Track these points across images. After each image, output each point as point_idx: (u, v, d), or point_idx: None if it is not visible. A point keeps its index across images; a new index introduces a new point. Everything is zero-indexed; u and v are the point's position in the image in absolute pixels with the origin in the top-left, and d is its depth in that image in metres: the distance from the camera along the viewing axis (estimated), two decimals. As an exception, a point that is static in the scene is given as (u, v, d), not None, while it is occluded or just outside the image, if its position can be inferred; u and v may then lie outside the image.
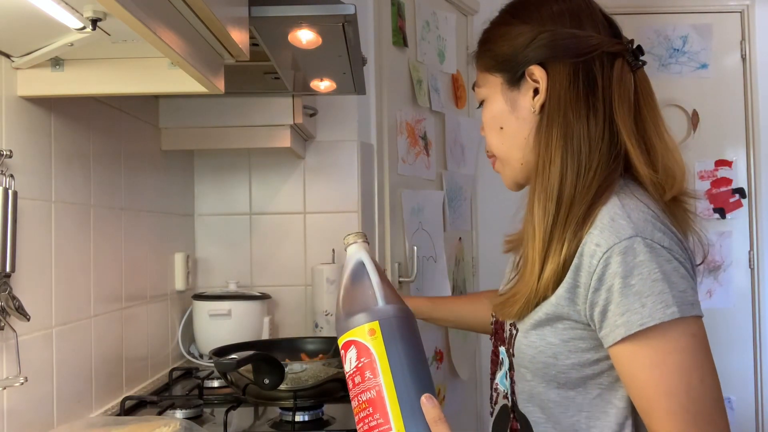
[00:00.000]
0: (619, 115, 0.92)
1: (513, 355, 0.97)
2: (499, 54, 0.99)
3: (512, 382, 0.99)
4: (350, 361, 0.81)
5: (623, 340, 0.84)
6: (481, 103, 1.04)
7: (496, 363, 1.07)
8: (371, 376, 0.79)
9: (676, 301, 0.82)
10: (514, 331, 0.97)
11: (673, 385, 0.82)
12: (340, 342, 0.83)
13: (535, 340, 0.92)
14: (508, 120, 0.99)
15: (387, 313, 0.82)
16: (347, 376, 0.82)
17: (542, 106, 0.95)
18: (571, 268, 0.87)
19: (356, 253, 0.89)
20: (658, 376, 0.82)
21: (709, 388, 0.83)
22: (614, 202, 0.88)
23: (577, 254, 0.87)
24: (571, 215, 0.88)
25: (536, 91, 0.95)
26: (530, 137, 0.96)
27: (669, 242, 0.85)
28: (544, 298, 0.90)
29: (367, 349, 0.80)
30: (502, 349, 1.04)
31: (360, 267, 0.87)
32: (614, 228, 0.85)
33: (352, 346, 0.81)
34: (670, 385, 0.82)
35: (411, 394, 0.78)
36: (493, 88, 1.00)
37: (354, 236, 0.90)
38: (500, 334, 1.05)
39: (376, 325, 0.80)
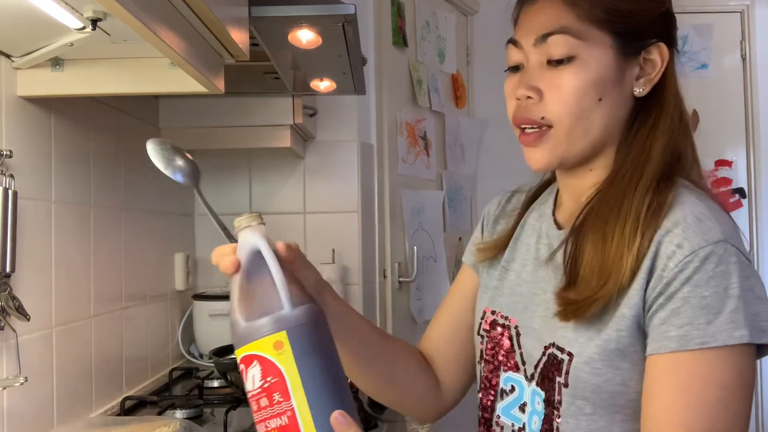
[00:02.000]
0: (686, 110, 0.87)
1: (566, 386, 0.80)
2: (623, 11, 0.81)
3: (554, 417, 0.82)
4: (253, 379, 0.66)
5: (671, 352, 0.72)
6: (553, 62, 0.81)
7: (493, 392, 0.92)
8: (281, 399, 0.65)
9: (748, 323, 0.71)
10: (565, 357, 0.80)
11: (697, 421, 0.71)
12: (239, 355, 0.67)
13: (600, 367, 0.77)
14: (612, 92, 0.82)
15: (297, 320, 0.66)
16: (249, 396, 0.68)
17: (652, 90, 0.84)
18: (643, 269, 0.76)
19: (250, 239, 0.71)
20: (685, 404, 0.71)
21: None
22: (693, 200, 0.77)
23: (649, 255, 0.75)
24: (654, 207, 0.78)
25: (641, 71, 0.83)
26: (623, 120, 0.84)
27: (748, 255, 0.75)
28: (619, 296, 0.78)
29: (273, 366, 0.65)
30: (515, 376, 0.88)
31: (257, 258, 0.70)
32: (701, 229, 0.74)
33: (255, 362, 0.66)
34: (692, 420, 0.71)
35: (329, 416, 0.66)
36: (598, 47, 0.81)
37: (247, 218, 0.72)
38: (509, 361, 0.90)
39: (283, 336, 0.65)
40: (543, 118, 0.82)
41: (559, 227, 0.90)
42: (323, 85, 1.56)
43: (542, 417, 0.83)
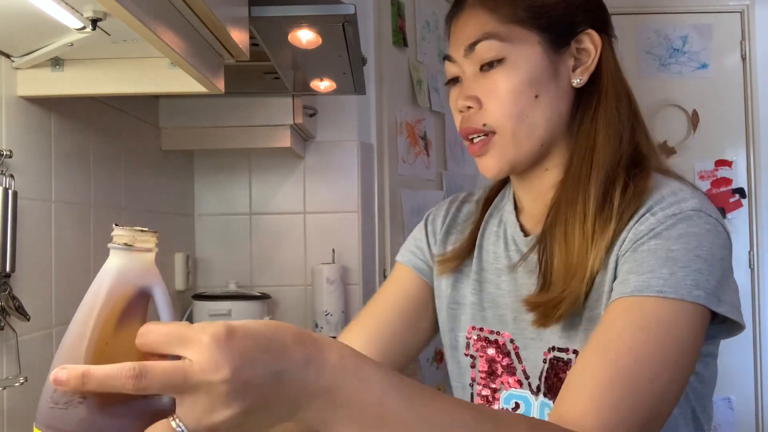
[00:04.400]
0: (633, 95, 0.86)
1: None
2: (544, 6, 0.82)
3: None
4: None
5: (629, 296, 0.71)
6: (482, 67, 0.83)
7: None
8: None
9: (709, 287, 0.69)
10: (571, 356, 0.79)
11: (650, 360, 0.67)
12: None
13: None
14: (548, 87, 0.81)
15: None
16: None
17: (589, 79, 0.83)
18: (617, 245, 0.76)
19: (143, 269, 0.48)
20: (642, 340, 0.68)
21: (661, 382, 0.68)
22: (670, 182, 0.78)
23: (625, 231, 0.76)
24: (622, 198, 0.77)
25: (577, 61, 0.83)
26: (565, 114, 0.83)
27: (727, 228, 0.75)
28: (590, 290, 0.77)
29: None
30: (519, 392, 0.85)
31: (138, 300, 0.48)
32: (677, 200, 0.74)
33: None
34: (646, 356, 0.67)
35: None
36: (526, 46, 0.81)
37: (130, 234, 0.48)
38: (510, 378, 0.86)
39: None
40: (485, 125, 0.83)
41: (526, 232, 0.89)
42: (323, 85, 1.56)
43: None
